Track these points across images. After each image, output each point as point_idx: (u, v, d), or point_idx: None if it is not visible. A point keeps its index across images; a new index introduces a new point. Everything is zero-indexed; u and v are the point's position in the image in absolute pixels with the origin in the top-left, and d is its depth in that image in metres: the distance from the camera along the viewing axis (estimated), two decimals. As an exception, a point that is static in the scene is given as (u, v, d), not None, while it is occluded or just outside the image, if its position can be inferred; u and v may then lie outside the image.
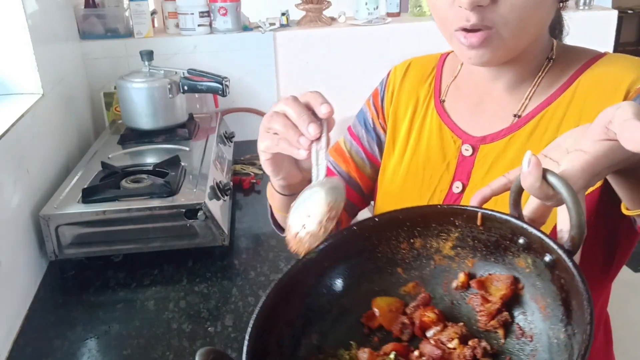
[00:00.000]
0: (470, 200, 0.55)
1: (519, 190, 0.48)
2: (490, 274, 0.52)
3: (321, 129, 0.60)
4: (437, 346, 0.49)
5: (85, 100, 1.87)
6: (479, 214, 0.51)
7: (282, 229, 0.88)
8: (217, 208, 1.29)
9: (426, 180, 0.81)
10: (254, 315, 0.53)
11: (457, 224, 0.53)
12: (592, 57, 0.74)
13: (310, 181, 0.61)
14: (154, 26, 2.03)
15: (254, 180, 1.70)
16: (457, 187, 0.78)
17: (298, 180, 0.72)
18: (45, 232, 1.22)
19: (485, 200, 0.54)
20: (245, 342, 0.51)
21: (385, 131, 0.90)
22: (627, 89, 0.67)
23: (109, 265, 1.28)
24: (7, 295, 1.07)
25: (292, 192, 0.75)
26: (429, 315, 0.52)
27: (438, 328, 0.51)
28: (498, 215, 0.50)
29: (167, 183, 1.29)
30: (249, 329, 0.52)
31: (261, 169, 1.79)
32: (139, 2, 1.90)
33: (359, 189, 0.92)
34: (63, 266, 1.28)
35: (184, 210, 1.23)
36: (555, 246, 0.44)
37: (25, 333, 1.08)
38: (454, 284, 0.54)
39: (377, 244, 0.57)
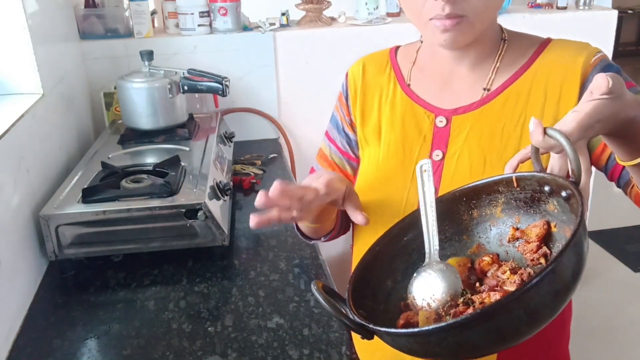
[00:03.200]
0: (505, 169, 0.68)
1: (536, 150, 0.63)
2: (529, 225, 0.66)
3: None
4: (493, 278, 0.64)
5: (85, 100, 1.87)
6: (513, 177, 0.66)
7: (307, 237, 1.01)
8: (217, 208, 1.30)
9: (407, 155, 0.88)
10: (353, 272, 0.69)
11: (500, 190, 0.68)
12: (542, 42, 0.86)
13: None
14: (154, 26, 2.03)
15: (254, 180, 1.70)
16: (437, 155, 0.86)
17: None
18: (45, 232, 1.22)
19: (514, 167, 0.67)
20: (348, 288, 0.66)
21: (353, 129, 0.98)
22: (582, 65, 0.80)
23: (109, 265, 1.28)
24: (7, 295, 1.07)
25: (317, 223, 0.89)
26: (485, 259, 0.66)
27: (494, 268, 0.65)
28: (526, 173, 0.65)
29: (167, 183, 1.29)
30: (351, 280, 0.67)
31: (261, 169, 1.79)
32: (139, 2, 1.90)
33: None
34: (63, 266, 1.28)
35: (184, 210, 1.23)
36: (564, 181, 0.60)
37: (25, 333, 1.08)
38: (506, 238, 0.68)
39: (444, 219, 0.71)
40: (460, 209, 0.71)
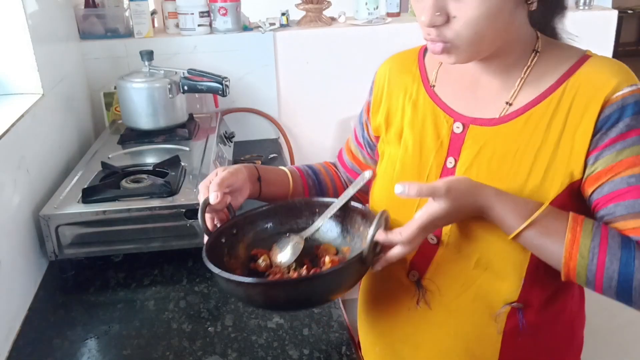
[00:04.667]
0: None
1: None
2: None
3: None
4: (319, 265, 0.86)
5: (85, 100, 1.87)
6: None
7: None
8: (217, 208, 1.29)
9: (424, 158, 0.87)
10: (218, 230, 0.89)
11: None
12: (578, 59, 0.79)
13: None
14: (154, 26, 2.03)
15: (254, 180, 1.70)
16: (450, 162, 0.84)
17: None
18: (45, 232, 1.22)
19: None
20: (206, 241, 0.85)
21: (368, 128, 1.00)
22: (605, 96, 0.74)
23: (109, 265, 1.28)
24: (7, 295, 1.07)
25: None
26: (327, 257, 0.86)
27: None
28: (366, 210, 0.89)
29: (167, 183, 1.29)
30: (239, 215, 0.93)
31: (261, 169, 1.79)
32: (139, 2, 1.90)
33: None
34: (63, 266, 1.28)
35: (184, 210, 1.23)
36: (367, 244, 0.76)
37: (25, 333, 1.08)
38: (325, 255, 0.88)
39: (350, 218, 0.91)
40: (359, 220, 0.89)
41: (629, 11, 7.03)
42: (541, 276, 0.81)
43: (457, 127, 0.84)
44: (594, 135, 0.75)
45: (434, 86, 0.90)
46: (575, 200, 0.78)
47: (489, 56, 0.79)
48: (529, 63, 0.80)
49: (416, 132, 0.88)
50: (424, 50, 0.95)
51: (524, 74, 0.80)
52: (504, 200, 0.75)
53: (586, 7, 2.24)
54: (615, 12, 2.26)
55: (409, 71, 0.94)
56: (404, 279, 0.89)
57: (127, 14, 1.96)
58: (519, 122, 0.79)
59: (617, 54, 2.05)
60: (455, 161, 0.84)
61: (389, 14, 2.20)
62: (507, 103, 0.81)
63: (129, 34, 1.95)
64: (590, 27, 2.23)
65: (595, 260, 0.71)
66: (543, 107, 0.78)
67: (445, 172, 0.85)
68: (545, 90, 0.79)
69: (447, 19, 0.73)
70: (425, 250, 0.86)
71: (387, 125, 0.94)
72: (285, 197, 0.99)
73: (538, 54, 0.80)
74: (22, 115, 1.26)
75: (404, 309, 0.90)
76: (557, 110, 0.77)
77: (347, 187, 1.03)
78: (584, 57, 0.79)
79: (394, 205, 0.84)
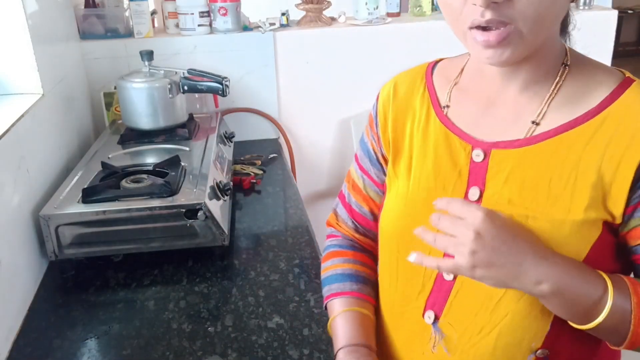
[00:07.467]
0: None
1: None
2: None
3: None
4: None
5: (85, 100, 1.87)
6: None
7: None
8: (217, 208, 1.30)
9: (439, 191, 0.77)
10: None
11: None
12: (619, 83, 0.69)
13: None
14: (154, 26, 2.03)
15: (254, 180, 1.70)
16: (474, 194, 0.74)
17: None
18: (45, 232, 1.22)
19: None
20: None
21: (385, 159, 0.88)
22: None
23: (109, 265, 1.28)
24: (7, 295, 1.07)
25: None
26: None
27: None
28: None
29: (167, 183, 1.29)
30: None
31: (261, 169, 1.79)
32: (139, 2, 1.90)
33: None
34: (63, 266, 1.28)
35: (184, 210, 1.23)
36: None
37: (25, 333, 1.08)
38: None
39: None
40: None
41: (629, 11, 7.03)
42: None
43: (477, 155, 0.74)
44: None
45: (447, 107, 0.79)
46: (613, 238, 0.70)
47: (518, 65, 0.71)
48: (558, 77, 0.71)
49: (428, 162, 0.78)
50: (432, 67, 0.85)
51: (553, 90, 0.71)
52: (568, 266, 0.65)
53: (586, 7, 2.23)
54: (615, 12, 2.26)
55: (417, 92, 0.83)
56: (419, 321, 0.80)
57: (127, 14, 1.96)
58: (549, 145, 0.69)
59: (617, 54, 2.05)
60: (481, 192, 0.73)
61: (389, 14, 2.19)
62: (533, 122, 0.71)
63: (129, 34, 1.95)
64: (590, 27, 2.23)
65: None
66: (577, 132, 0.69)
67: None
68: (582, 115, 0.69)
69: None
70: (441, 287, 0.77)
71: (395, 156, 0.84)
72: None
73: (568, 68, 0.71)
74: (22, 115, 1.26)
75: (418, 353, 0.81)
76: (594, 139, 0.67)
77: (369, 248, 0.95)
78: (626, 81, 0.69)
79: (404, 244, 0.78)
